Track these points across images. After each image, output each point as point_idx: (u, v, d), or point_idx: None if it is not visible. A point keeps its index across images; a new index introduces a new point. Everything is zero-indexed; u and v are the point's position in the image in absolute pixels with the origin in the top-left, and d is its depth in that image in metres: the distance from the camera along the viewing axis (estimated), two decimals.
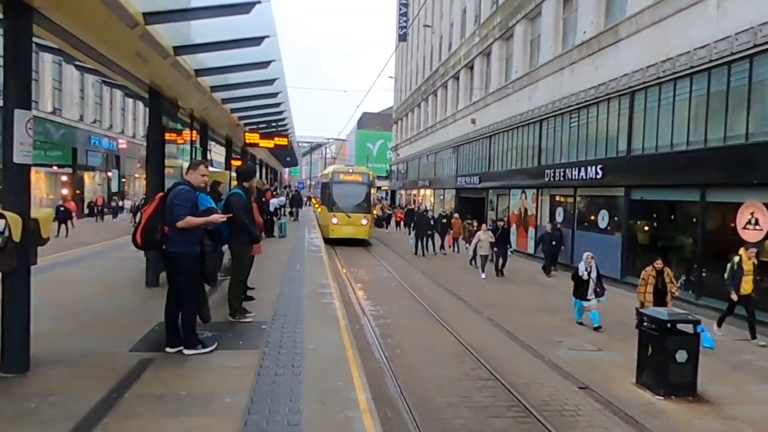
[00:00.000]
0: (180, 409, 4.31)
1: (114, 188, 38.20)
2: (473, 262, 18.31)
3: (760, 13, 10.95)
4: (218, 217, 5.82)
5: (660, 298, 9.66)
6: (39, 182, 29.74)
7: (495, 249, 16.83)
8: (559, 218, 19.80)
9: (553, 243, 17.92)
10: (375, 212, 29.46)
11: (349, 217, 23.25)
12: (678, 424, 6.39)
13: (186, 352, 5.61)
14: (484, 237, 16.78)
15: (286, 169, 70.82)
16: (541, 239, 18.49)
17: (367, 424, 4.18)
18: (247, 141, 15.55)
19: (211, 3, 6.49)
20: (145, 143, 38.73)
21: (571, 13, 19.65)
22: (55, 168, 29.88)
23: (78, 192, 32.49)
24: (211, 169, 7.06)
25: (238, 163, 20.12)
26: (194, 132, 12.75)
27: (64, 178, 31.50)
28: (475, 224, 22.97)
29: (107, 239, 16.97)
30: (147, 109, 34.90)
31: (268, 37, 7.73)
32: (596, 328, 10.33)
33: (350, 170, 26.60)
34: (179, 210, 5.31)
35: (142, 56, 6.97)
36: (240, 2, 6.39)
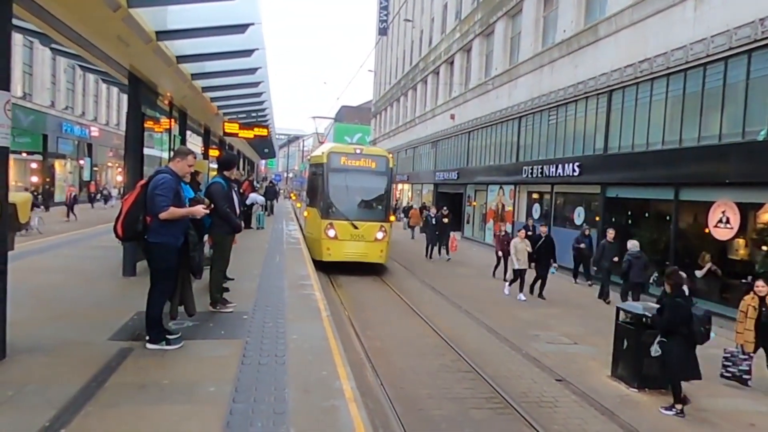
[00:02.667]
0: (163, 398, 4.26)
1: (86, 177, 37.41)
2: (500, 274, 15.22)
3: (735, 17, 11.23)
4: (201, 209, 5.57)
5: (765, 336, 7.44)
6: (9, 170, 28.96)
7: (533, 263, 13.11)
8: (535, 214, 20.06)
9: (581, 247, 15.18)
10: (393, 219, 19.48)
11: (355, 227, 14.37)
12: (650, 416, 6.55)
13: (149, 346, 5.39)
14: (521, 246, 12.96)
15: (263, 161, 70.14)
16: (602, 253, 13.29)
17: (353, 413, 4.19)
18: (227, 131, 15.37)
19: None
20: (117, 131, 38.21)
21: (551, 12, 19.84)
22: (24, 155, 29.12)
23: (48, 180, 31.74)
24: None
25: (216, 153, 19.89)
26: (172, 120, 12.54)
27: (33, 165, 30.72)
28: (435, 212, 20.35)
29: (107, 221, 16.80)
30: (120, 97, 34.33)
31: (252, 24, 7.65)
32: None
33: (357, 151, 15.58)
34: (161, 201, 5.09)
35: (123, 40, 6.84)
36: None
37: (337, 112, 74.72)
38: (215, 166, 19.47)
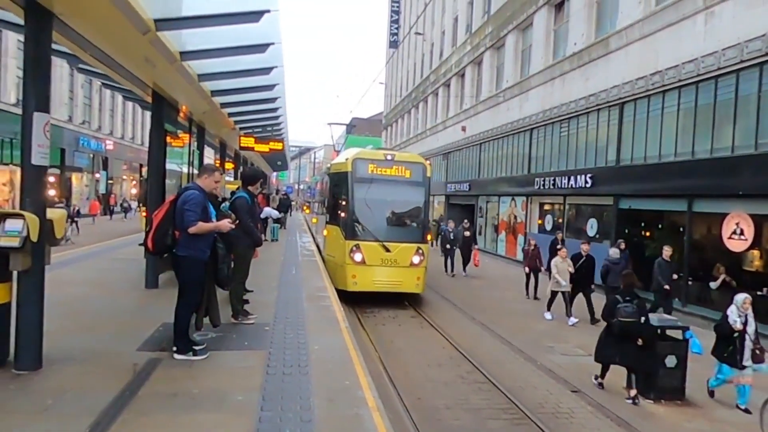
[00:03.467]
0: (194, 406, 4.43)
1: (102, 189, 38.01)
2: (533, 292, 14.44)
3: (746, 31, 11.33)
4: (227, 224, 5.78)
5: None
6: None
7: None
8: (548, 226, 20.12)
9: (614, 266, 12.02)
10: (431, 237, 17.29)
11: (387, 250, 12.16)
12: (668, 427, 6.62)
13: (176, 356, 5.58)
14: (563, 266, 11.81)
15: (274, 174, 70.73)
16: (660, 272, 11.20)
17: (377, 421, 4.34)
18: (243, 145, 15.65)
19: (220, 11, 6.61)
20: (132, 145, 38.94)
21: (562, 25, 20.04)
22: None
23: (66, 193, 32.30)
24: None
25: (231, 166, 20.22)
26: (191, 135, 12.84)
27: (51, 179, 31.27)
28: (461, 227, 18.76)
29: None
30: (135, 111, 35.00)
31: (273, 44, 7.88)
32: (744, 410, 7.16)
33: (389, 157, 13.12)
34: (189, 216, 5.33)
35: (151, 61, 7.10)
36: (250, 11, 6.53)
37: (348, 123, 75.30)
38: (229, 179, 19.79)
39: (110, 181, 40.30)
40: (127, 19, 5.61)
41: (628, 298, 7.39)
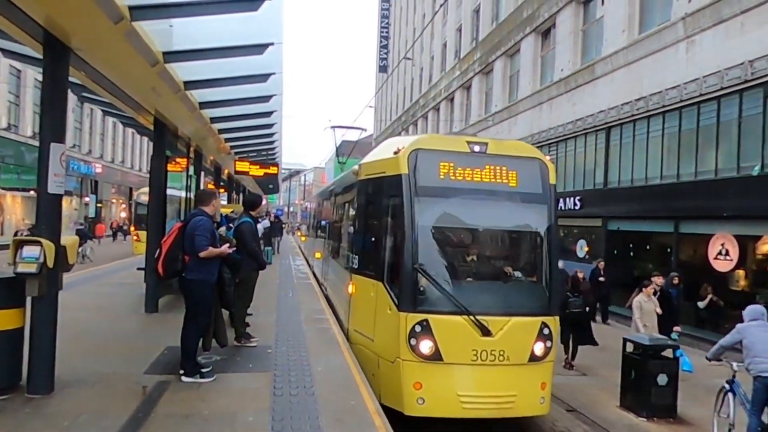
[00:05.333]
0: (207, 427, 4.57)
1: (91, 213, 37.88)
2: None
3: (725, 59, 11.83)
4: (226, 249, 5.97)
5: None
6: (15, 207, 29.44)
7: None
8: None
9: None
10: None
11: (485, 332, 6.31)
12: None
13: (184, 379, 5.70)
14: (649, 306, 9.19)
15: (264, 197, 70.77)
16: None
17: None
18: (238, 169, 15.85)
19: (226, 44, 6.87)
20: (121, 168, 39.00)
21: (548, 52, 20.62)
22: (32, 192, 29.61)
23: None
24: None
25: (223, 190, 20.39)
26: (188, 160, 13.02)
27: None
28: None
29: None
30: (125, 134, 35.14)
31: (274, 74, 8.15)
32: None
33: (476, 148, 7.01)
34: (200, 240, 5.57)
35: (156, 91, 7.33)
36: (255, 44, 6.80)
37: (338, 146, 75.81)
38: (222, 202, 19.93)
39: (99, 205, 40.18)
40: (138, 52, 5.85)
41: (576, 294, 9.91)
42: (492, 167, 6.92)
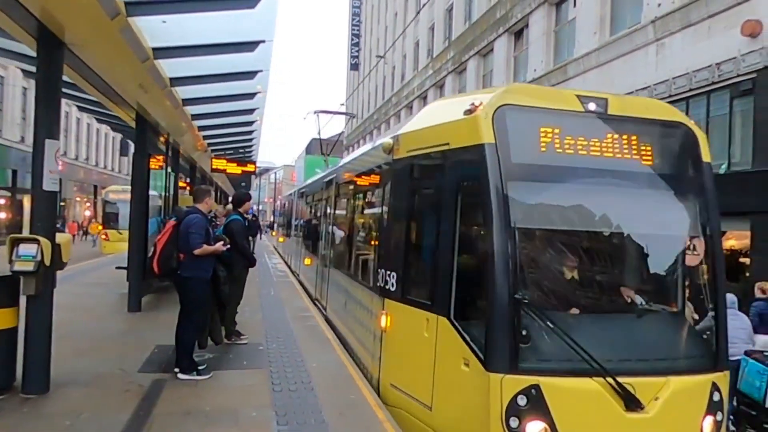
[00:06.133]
0: (210, 423, 4.59)
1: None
2: None
3: (694, 61, 12.29)
4: (220, 246, 6.02)
5: None
6: None
7: None
8: None
9: None
10: None
11: (632, 403, 3.90)
12: None
13: (181, 376, 5.69)
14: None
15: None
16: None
17: (390, 431, 4.59)
18: (215, 167, 15.64)
19: (216, 40, 6.82)
20: (85, 166, 38.08)
21: (522, 52, 20.99)
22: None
23: (18, 217, 31.16)
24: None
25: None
26: (166, 157, 12.85)
27: (1, 201, 30.17)
28: None
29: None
30: (90, 131, 34.43)
31: (261, 71, 8.14)
32: None
33: (591, 106, 4.52)
34: (195, 238, 5.57)
35: (144, 87, 7.25)
36: (246, 41, 6.78)
37: (307, 145, 75.43)
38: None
39: (62, 204, 39.06)
40: (130, 48, 5.79)
41: None
42: (618, 135, 4.53)
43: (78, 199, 44.03)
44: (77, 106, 10.99)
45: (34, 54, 5.07)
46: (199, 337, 6.10)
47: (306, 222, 15.17)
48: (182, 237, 5.64)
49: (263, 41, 6.84)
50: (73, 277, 13.22)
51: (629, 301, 4.64)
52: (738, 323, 7.05)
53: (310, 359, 6.66)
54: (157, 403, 4.97)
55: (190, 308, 5.77)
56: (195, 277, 5.70)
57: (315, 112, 19.52)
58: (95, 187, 42.84)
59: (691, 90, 12.39)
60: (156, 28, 6.05)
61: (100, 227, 27.80)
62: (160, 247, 5.65)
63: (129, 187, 19.56)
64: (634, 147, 4.57)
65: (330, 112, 21.34)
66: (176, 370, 5.78)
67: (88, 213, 44.16)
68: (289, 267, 18.24)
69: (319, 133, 20.99)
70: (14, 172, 30.39)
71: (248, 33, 6.67)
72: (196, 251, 5.56)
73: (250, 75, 8.15)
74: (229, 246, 6.48)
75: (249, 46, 6.86)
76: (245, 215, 7.77)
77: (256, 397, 5.27)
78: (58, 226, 20.33)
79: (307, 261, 13.01)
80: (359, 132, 50.39)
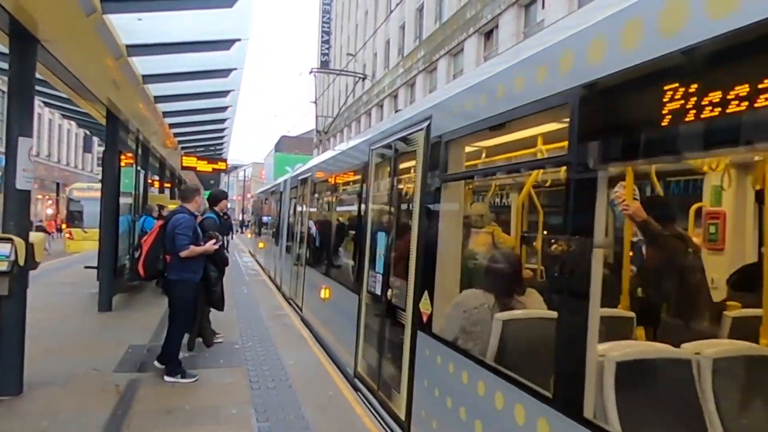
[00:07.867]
0: (191, 421, 4.60)
1: None
2: None
3: None
4: (211, 245, 5.96)
5: None
6: None
7: None
8: None
9: None
10: None
11: None
12: None
13: (166, 378, 5.63)
14: None
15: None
16: None
17: (369, 426, 4.68)
18: (185, 165, 15.47)
19: (191, 38, 6.77)
20: (47, 162, 36.90)
21: (491, 52, 21.28)
22: None
23: None
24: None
25: (169, 185, 19.85)
26: (135, 154, 12.66)
27: None
28: None
29: None
30: (51, 127, 33.46)
31: (236, 69, 8.11)
32: None
33: None
34: (181, 240, 5.47)
35: (117, 84, 7.16)
36: (222, 39, 6.76)
37: (276, 142, 74.76)
38: (163, 196, 19.37)
39: None
40: (105, 44, 5.73)
41: None
42: None
43: (39, 196, 42.70)
44: (44, 102, 10.66)
45: (6, 50, 4.96)
46: (188, 339, 6.08)
47: (312, 229, 10.10)
48: (168, 238, 5.55)
49: (239, 39, 6.83)
50: (39, 277, 12.89)
51: None
52: None
53: (287, 357, 6.69)
54: (135, 403, 4.95)
55: (175, 311, 5.71)
56: (182, 280, 5.61)
57: (311, 72, 20.26)
58: (57, 184, 41.66)
59: None
60: (131, 25, 6.00)
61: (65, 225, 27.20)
62: (146, 248, 5.58)
63: (95, 185, 19.29)
64: None
65: (328, 72, 22.26)
66: (161, 366, 5.73)
67: (50, 211, 42.94)
68: (250, 251, 16.75)
69: (315, 91, 21.60)
70: None
71: (224, 31, 6.65)
72: (182, 253, 5.47)
73: (224, 73, 8.12)
74: (220, 243, 6.45)
75: (225, 44, 6.85)
76: (220, 214, 7.74)
77: (235, 394, 5.29)
78: (40, 223, 19.92)
79: (261, 244, 10.59)
80: (330, 130, 50.19)
